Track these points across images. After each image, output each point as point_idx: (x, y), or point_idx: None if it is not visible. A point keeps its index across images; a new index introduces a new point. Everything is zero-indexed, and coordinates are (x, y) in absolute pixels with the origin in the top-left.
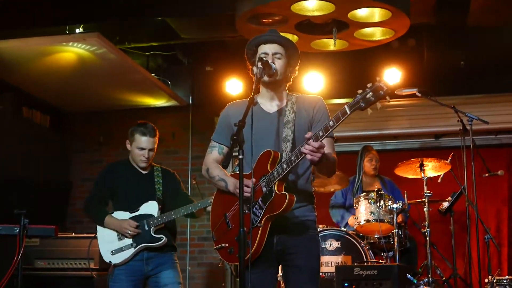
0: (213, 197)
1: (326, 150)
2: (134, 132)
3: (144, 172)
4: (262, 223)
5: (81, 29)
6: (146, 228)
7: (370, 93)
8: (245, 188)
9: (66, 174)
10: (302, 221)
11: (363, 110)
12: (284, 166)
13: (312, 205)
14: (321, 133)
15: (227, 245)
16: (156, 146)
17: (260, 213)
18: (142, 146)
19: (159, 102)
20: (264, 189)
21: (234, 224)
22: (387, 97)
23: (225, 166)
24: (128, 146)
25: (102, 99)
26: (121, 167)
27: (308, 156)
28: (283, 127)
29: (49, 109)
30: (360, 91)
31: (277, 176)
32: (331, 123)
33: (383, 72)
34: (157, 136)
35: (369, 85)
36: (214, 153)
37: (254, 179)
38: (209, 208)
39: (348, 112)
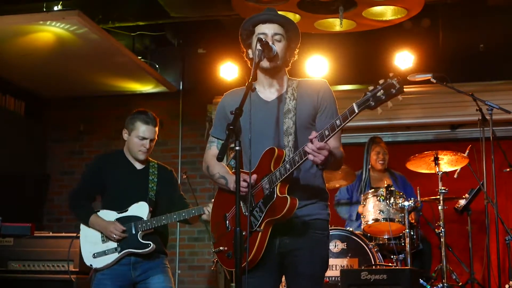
0: (211, 202)
1: (332, 144)
2: (135, 120)
3: (139, 168)
4: (261, 228)
5: (60, 7)
6: (133, 232)
7: (381, 90)
8: (243, 184)
9: (43, 167)
10: (308, 221)
11: (373, 110)
12: (287, 166)
13: (323, 202)
14: (327, 133)
15: (225, 248)
16: (156, 137)
17: (260, 217)
18: (144, 136)
19: (146, 87)
20: (266, 190)
21: (234, 226)
22: (399, 97)
23: (220, 159)
24: (125, 135)
25: (83, 84)
26: (113, 159)
27: (310, 157)
28: (283, 117)
29: (24, 94)
30: (370, 88)
31: (280, 177)
32: (338, 122)
33: (394, 56)
34: (158, 125)
35: (380, 81)
36: (213, 148)
37: (256, 176)
38: (204, 216)
39: (356, 111)
